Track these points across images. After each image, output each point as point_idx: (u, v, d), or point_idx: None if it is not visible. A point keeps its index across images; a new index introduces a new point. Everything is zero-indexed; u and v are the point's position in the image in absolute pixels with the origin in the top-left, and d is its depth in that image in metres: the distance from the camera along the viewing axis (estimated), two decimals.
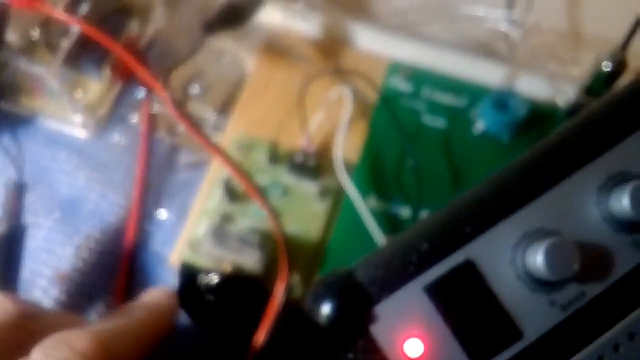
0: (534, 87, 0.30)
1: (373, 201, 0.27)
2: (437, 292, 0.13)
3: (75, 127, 0.29)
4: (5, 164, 0.29)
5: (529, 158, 0.15)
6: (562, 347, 0.14)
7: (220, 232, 0.24)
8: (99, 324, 0.20)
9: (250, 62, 0.31)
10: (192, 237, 0.26)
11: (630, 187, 0.13)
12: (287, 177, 0.28)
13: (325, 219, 0.27)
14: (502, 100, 0.27)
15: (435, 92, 0.30)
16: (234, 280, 0.24)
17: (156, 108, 0.29)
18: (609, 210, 0.14)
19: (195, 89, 0.30)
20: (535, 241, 0.13)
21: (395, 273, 0.13)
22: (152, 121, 0.29)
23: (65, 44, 0.27)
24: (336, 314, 0.13)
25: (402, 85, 0.30)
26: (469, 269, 0.14)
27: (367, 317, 0.13)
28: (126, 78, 0.30)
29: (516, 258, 0.14)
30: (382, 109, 0.29)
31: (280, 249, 0.24)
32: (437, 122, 0.29)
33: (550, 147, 0.15)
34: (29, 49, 0.28)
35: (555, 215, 0.14)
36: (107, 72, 0.29)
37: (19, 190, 0.24)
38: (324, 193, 0.27)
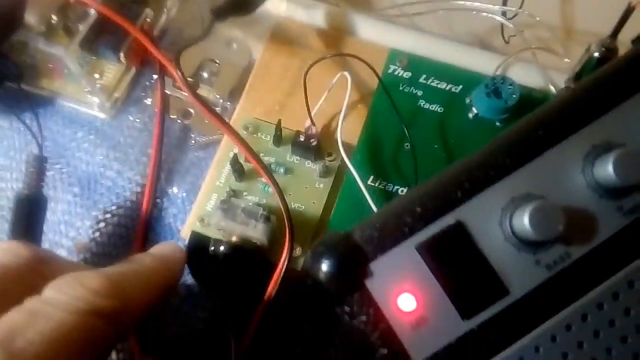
0: (526, 75, 0.31)
1: (372, 180, 0.29)
2: (429, 251, 0.15)
3: (93, 108, 0.31)
4: (27, 140, 0.30)
5: (518, 128, 0.16)
6: (547, 304, 0.15)
7: (228, 206, 0.26)
8: (110, 267, 0.20)
9: (257, 49, 0.33)
10: (202, 211, 0.28)
11: (614, 155, 0.14)
12: (291, 158, 0.30)
13: (326, 197, 0.29)
14: (495, 86, 0.29)
15: (432, 78, 0.31)
16: (241, 251, 0.26)
17: (169, 90, 0.31)
18: (594, 177, 0.15)
19: (204, 75, 0.32)
20: (522, 204, 0.14)
21: (389, 233, 0.15)
22: (165, 103, 0.31)
23: (83, 28, 0.28)
24: (334, 270, 0.15)
25: (400, 72, 0.32)
26: (459, 229, 0.15)
27: (363, 273, 0.15)
28: (141, 61, 0.31)
29: (504, 220, 0.15)
30: (381, 94, 0.30)
31: (284, 221, 0.25)
32: (433, 106, 0.31)
33: (537, 118, 0.15)
34: (48, 31, 0.29)
35: (541, 181, 0.15)
36: (123, 56, 0.30)
37: (39, 163, 0.26)
38: (325, 172, 0.29)
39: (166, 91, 0.31)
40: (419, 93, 0.31)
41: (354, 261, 0.15)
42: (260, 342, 0.25)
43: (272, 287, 0.24)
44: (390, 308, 0.15)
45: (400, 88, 0.31)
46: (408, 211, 0.15)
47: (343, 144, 0.29)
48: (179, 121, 0.31)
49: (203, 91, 0.32)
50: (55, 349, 0.14)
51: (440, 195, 0.15)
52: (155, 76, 0.31)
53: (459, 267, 0.15)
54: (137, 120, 0.31)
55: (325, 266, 0.15)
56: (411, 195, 0.16)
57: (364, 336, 0.15)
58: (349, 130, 0.30)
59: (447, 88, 0.31)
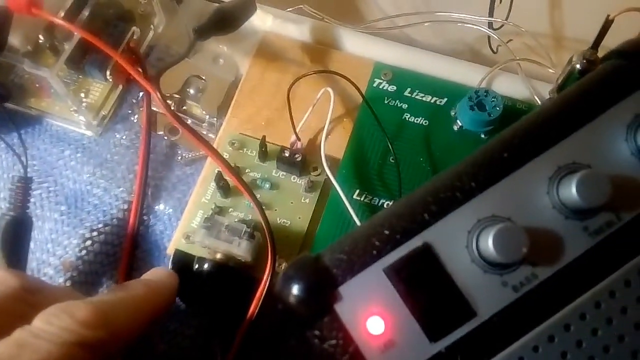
0: (511, 87, 0.31)
1: (357, 194, 0.29)
2: (397, 274, 0.15)
3: (80, 126, 0.31)
4: (14, 160, 0.31)
5: (484, 150, 0.16)
6: (514, 325, 0.15)
7: (212, 223, 0.26)
8: (99, 296, 0.21)
9: (243, 65, 0.33)
10: (187, 228, 0.28)
11: (577, 177, 0.14)
12: (276, 173, 0.30)
13: (312, 212, 0.29)
14: (478, 99, 0.29)
15: (417, 91, 0.32)
16: (225, 269, 0.26)
17: (155, 107, 0.31)
18: (559, 198, 0.15)
19: (191, 92, 0.32)
20: (487, 227, 0.15)
21: (358, 256, 0.15)
22: (152, 120, 0.31)
23: (69, 47, 0.28)
24: (303, 294, 0.15)
25: (385, 85, 0.32)
26: (426, 252, 0.15)
27: (332, 297, 0.15)
28: (127, 79, 0.32)
29: (470, 242, 0.15)
30: (366, 108, 0.30)
31: (266, 238, 0.25)
32: (418, 119, 0.31)
33: (504, 139, 0.16)
34: (34, 51, 0.30)
35: (507, 203, 0.15)
36: (109, 74, 0.30)
37: (24, 184, 0.26)
38: (311, 187, 0.29)
39: (153, 108, 0.31)
40: (404, 106, 0.31)
41: (323, 285, 0.15)
42: (245, 358, 0.25)
43: (255, 304, 0.24)
44: (359, 332, 0.15)
45: (385, 101, 0.31)
46: (376, 234, 0.15)
47: (329, 158, 0.29)
48: (165, 138, 0.32)
49: (189, 107, 0.32)
50: None
51: (408, 217, 0.15)
52: (141, 93, 0.32)
53: (426, 289, 0.15)
54: (124, 137, 0.31)
55: (294, 290, 0.15)
56: (380, 217, 0.16)
57: (334, 359, 0.15)
58: (334, 144, 0.30)
59: (432, 101, 0.31)
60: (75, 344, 0.16)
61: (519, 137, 0.15)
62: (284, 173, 0.30)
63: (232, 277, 0.26)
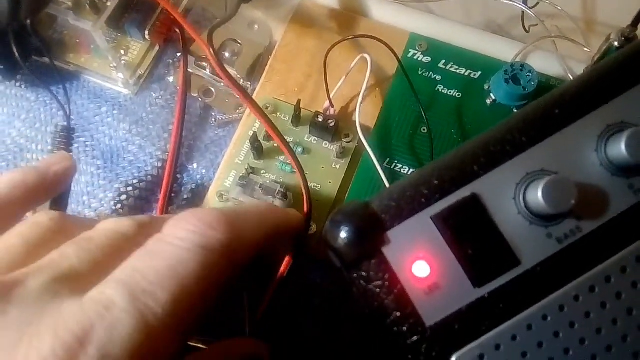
0: (545, 64, 0.32)
1: (387, 163, 0.29)
2: (444, 221, 0.15)
3: (117, 84, 0.32)
4: (52, 113, 0.31)
5: (535, 106, 0.16)
6: (557, 274, 0.15)
7: (246, 182, 0.27)
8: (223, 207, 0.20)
9: (278, 31, 0.33)
10: (221, 187, 0.29)
11: (627, 134, 0.15)
12: (308, 138, 0.30)
13: (342, 177, 0.29)
14: (514, 73, 0.29)
15: (452, 64, 0.32)
16: None
17: (191, 69, 0.32)
18: (607, 155, 0.15)
19: (226, 55, 0.32)
20: (536, 179, 0.15)
21: (406, 203, 0.15)
22: (188, 81, 0.32)
23: (111, 5, 0.29)
24: (352, 237, 0.15)
25: (420, 56, 0.32)
26: (474, 202, 0.15)
27: (380, 240, 0.15)
28: (165, 40, 0.32)
29: (518, 194, 0.15)
30: (400, 78, 0.31)
31: (302, 198, 0.26)
32: (451, 92, 0.31)
33: (554, 97, 0.16)
34: (75, 7, 0.30)
35: (556, 158, 0.15)
36: (148, 34, 0.31)
37: (67, 133, 0.26)
38: (342, 153, 0.30)
39: (188, 70, 0.32)
40: (438, 78, 0.31)
41: (372, 229, 0.15)
42: (274, 312, 0.26)
43: (287, 260, 0.25)
44: (405, 274, 0.15)
45: (419, 72, 0.32)
46: (425, 183, 0.16)
47: (362, 126, 0.29)
48: (200, 100, 0.32)
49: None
50: (174, 285, 0.15)
51: (457, 168, 0.16)
52: (178, 54, 0.32)
53: (472, 237, 0.15)
54: (160, 97, 0.32)
55: (343, 233, 0.15)
56: (429, 168, 0.16)
57: (379, 300, 0.15)
58: (366, 112, 0.31)
59: (466, 74, 0.31)
60: (205, 248, 0.16)
61: (571, 95, 0.16)
62: (316, 138, 0.30)
63: None
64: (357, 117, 0.29)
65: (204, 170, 0.31)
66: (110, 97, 0.32)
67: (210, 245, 0.16)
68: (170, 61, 0.33)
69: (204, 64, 0.32)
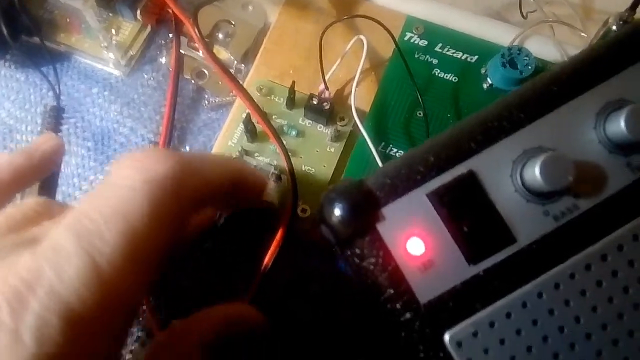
0: (542, 49, 0.31)
1: (382, 147, 0.29)
2: (439, 199, 0.15)
3: (109, 64, 0.31)
4: (42, 94, 0.31)
5: (533, 84, 0.16)
6: (552, 253, 0.15)
7: None
8: None
9: (273, 12, 0.33)
10: None
11: (626, 110, 0.14)
12: (303, 121, 0.30)
13: (337, 161, 0.29)
14: (511, 57, 0.29)
15: (448, 47, 0.31)
16: (251, 208, 0.26)
17: (184, 50, 0.31)
18: (605, 133, 0.15)
19: (220, 36, 0.32)
20: (533, 156, 0.15)
21: (402, 180, 0.15)
22: (180, 62, 0.31)
23: None
24: (346, 213, 0.15)
25: (417, 39, 0.32)
26: (471, 179, 0.15)
27: (374, 217, 0.15)
28: (157, 20, 0.32)
29: (515, 172, 0.15)
30: (396, 61, 0.30)
31: (288, 174, 0.25)
32: (448, 76, 0.31)
33: (553, 75, 0.16)
34: None
35: (554, 136, 0.15)
36: (139, 14, 0.30)
37: (57, 113, 0.26)
38: (337, 137, 0.29)
39: (181, 51, 0.31)
40: (434, 61, 0.31)
41: (366, 205, 0.15)
42: (270, 299, 0.26)
43: (275, 244, 0.25)
44: (399, 251, 0.15)
45: (416, 56, 0.31)
46: (421, 160, 0.15)
47: (357, 110, 0.29)
48: (192, 82, 0.32)
49: (217, 52, 0.32)
50: (120, 223, 0.14)
51: (454, 145, 0.15)
52: (170, 35, 0.31)
53: (468, 215, 0.15)
54: (151, 78, 0.32)
55: (337, 210, 0.15)
56: (425, 145, 0.16)
57: (372, 277, 0.15)
58: (361, 96, 0.30)
59: (463, 58, 0.31)
60: (149, 182, 0.15)
61: (569, 72, 0.15)
62: (311, 121, 0.30)
63: (258, 217, 0.27)
64: (352, 100, 0.28)
65: None
66: (101, 78, 0.31)
67: (155, 179, 0.15)
68: (163, 42, 0.32)
69: (196, 45, 0.31)
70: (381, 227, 0.15)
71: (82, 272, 0.13)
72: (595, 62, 0.16)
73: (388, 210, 0.15)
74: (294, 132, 0.29)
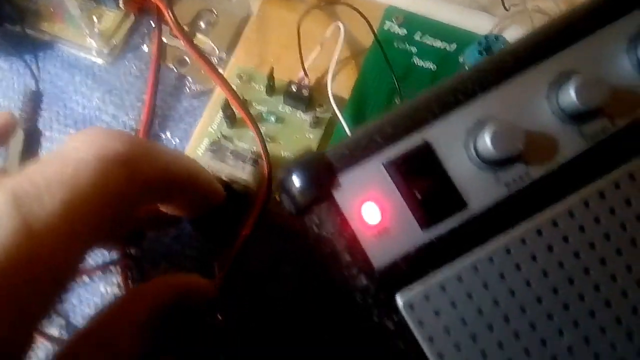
0: (520, 36, 0.32)
1: None
2: (395, 167, 0.15)
3: (92, 53, 0.32)
4: (25, 82, 0.31)
5: (489, 57, 0.16)
6: (504, 219, 0.15)
7: (217, 147, 0.27)
8: None
9: (255, 2, 0.33)
10: (193, 155, 0.29)
11: (577, 79, 0.15)
12: (283, 108, 0.30)
13: (316, 147, 0.29)
14: (488, 45, 0.29)
15: (427, 36, 0.32)
16: (229, 190, 0.27)
17: (166, 39, 0.32)
18: (558, 103, 0.15)
19: (201, 25, 0.32)
20: (485, 126, 0.15)
21: (359, 150, 0.15)
22: (162, 51, 0.32)
23: None
24: (303, 182, 0.15)
25: (396, 28, 0.32)
26: (425, 148, 0.15)
27: (331, 184, 0.15)
28: (140, 9, 0.32)
29: (468, 141, 0.15)
30: (376, 49, 0.31)
31: (270, 165, 0.26)
32: (426, 64, 0.31)
33: (508, 48, 0.16)
34: None
35: (507, 106, 0.15)
36: (122, 2, 0.31)
37: (35, 98, 0.26)
38: (316, 123, 0.29)
39: (163, 39, 0.32)
40: (413, 50, 0.31)
41: (324, 174, 0.15)
42: (244, 282, 0.26)
43: (249, 224, 0.25)
44: (355, 218, 0.15)
45: (395, 45, 0.32)
46: (379, 131, 0.16)
47: (335, 97, 0.29)
48: (175, 70, 0.32)
49: (199, 41, 0.32)
50: (63, 190, 0.14)
51: (410, 116, 0.16)
52: (153, 24, 0.32)
53: (422, 183, 0.15)
54: (134, 67, 0.32)
55: (296, 178, 0.15)
56: (384, 117, 0.16)
57: (330, 245, 0.15)
58: (341, 83, 0.31)
59: (442, 46, 0.31)
60: (101, 157, 0.15)
61: (524, 44, 0.16)
62: (290, 108, 0.30)
63: (235, 199, 0.27)
64: (329, 87, 0.29)
65: (177, 140, 0.31)
66: (84, 66, 0.32)
67: (109, 157, 0.16)
68: (146, 31, 0.33)
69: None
70: (338, 195, 0.15)
71: (15, 236, 0.13)
72: (550, 34, 0.16)
73: (345, 179, 0.15)
74: (273, 119, 0.30)
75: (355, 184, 0.15)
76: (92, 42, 0.31)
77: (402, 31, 0.32)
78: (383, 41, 0.31)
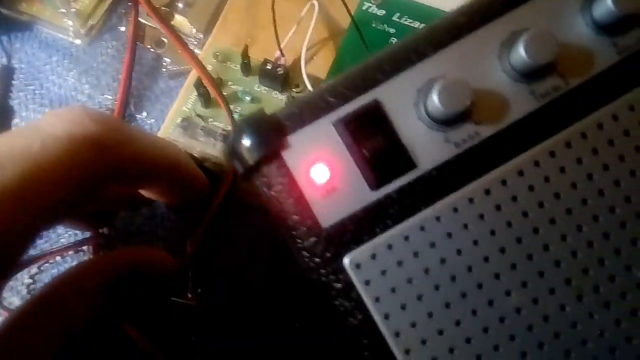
0: None
1: None
2: (344, 126, 0.15)
3: (69, 33, 0.32)
4: (2, 58, 0.31)
5: (443, 17, 0.16)
6: (453, 178, 0.15)
7: (188, 123, 0.27)
8: None
9: None
10: (168, 134, 0.29)
11: (526, 35, 0.14)
12: (259, 88, 0.30)
13: None
14: None
15: (406, 17, 0.32)
16: (201, 169, 0.27)
17: (144, 19, 0.32)
18: (509, 61, 0.15)
19: (179, 5, 0.32)
20: (435, 84, 0.15)
21: (309, 110, 0.15)
22: (139, 31, 0.32)
23: None
24: (251, 141, 0.15)
25: (374, 9, 0.32)
26: (375, 107, 0.15)
27: (280, 144, 0.15)
28: None
29: (419, 100, 0.15)
30: (353, 30, 0.31)
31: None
32: None
33: (462, 7, 0.16)
34: None
35: (458, 64, 0.15)
36: None
37: (6, 73, 0.26)
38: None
39: (141, 20, 0.32)
40: (392, 31, 0.31)
41: (272, 133, 0.15)
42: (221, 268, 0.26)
43: (218, 199, 0.25)
44: (303, 177, 0.15)
45: (373, 25, 0.31)
46: (330, 91, 0.16)
47: (312, 77, 0.29)
48: (152, 50, 0.32)
49: (177, 21, 0.32)
50: (26, 161, 0.14)
51: (362, 76, 0.16)
52: (130, 3, 0.32)
53: (371, 142, 0.15)
54: (111, 47, 0.32)
55: (244, 137, 0.15)
56: (335, 78, 0.16)
57: (279, 205, 0.15)
58: (318, 64, 0.30)
59: (420, 27, 0.31)
60: (72, 135, 0.15)
61: (477, 3, 0.16)
62: (266, 88, 0.30)
63: (207, 174, 0.27)
64: (302, 66, 0.29)
65: (153, 120, 0.31)
66: (61, 47, 0.32)
67: (82, 135, 0.15)
68: (123, 11, 0.33)
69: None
70: (286, 154, 0.15)
71: None
72: None
73: (294, 138, 0.15)
74: (248, 98, 0.30)
75: (305, 143, 0.15)
76: (69, 23, 0.31)
77: (381, 12, 0.32)
78: (361, 22, 0.31)
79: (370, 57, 0.16)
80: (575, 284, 0.14)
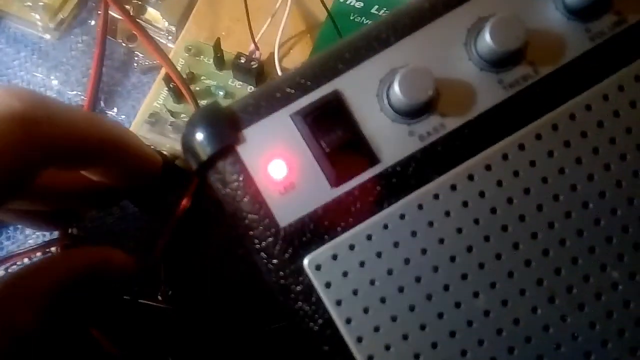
0: None
1: None
2: (303, 119, 0.14)
3: (37, 28, 0.31)
4: None
5: (406, 5, 0.15)
6: (417, 173, 0.14)
7: (156, 119, 0.26)
8: None
9: None
10: (139, 130, 0.28)
11: (492, 20, 0.14)
12: (233, 82, 0.29)
13: None
14: None
15: (384, 10, 0.31)
16: (172, 167, 0.26)
17: (115, 13, 0.31)
18: (476, 49, 0.14)
19: None
20: (397, 73, 0.14)
21: (266, 101, 0.14)
22: (111, 28, 0.31)
23: None
24: (204, 135, 0.14)
25: (352, 1, 0.31)
26: (335, 99, 0.14)
27: (235, 139, 0.14)
28: None
29: (381, 91, 0.14)
30: (329, 23, 0.30)
31: None
32: None
33: None
34: None
35: (422, 53, 0.14)
36: None
37: None
38: None
39: (112, 13, 0.31)
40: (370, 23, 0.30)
41: (226, 126, 0.14)
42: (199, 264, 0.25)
43: (187, 198, 0.24)
44: (260, 174, 0.14)
45: (351, 17, 0.30)
46: (288, 81, 0.15)
47: (283, 69, 0.28)
48: (124, 44, 0.31)
49: (150, 15, 0.31)
50: None
51: (322, 65, 0.15)
52: None
53: (331, 136, 0.14)
54: (81, 42, 0.31)
55: (197, 131, 0.14)
56: (296, 68, 0.15)
57: (235, 203, 0.14)
58: (294, 57, 0.30)
59: None
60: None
61: None
62: (241, 83, 0.29)
63: (179, 176, 0.26)
64: (276, 59, 0.28)
65: (124, 116, 0.30)
66: (30, 42, 0.31)
67: (2, 112, 0.15)
68: (94, 4, 0.32)
69: (127, 6, 0.31)
70: (242, 149, 0.14)
71: None
72: None
73: (250, 132, 0.14)
74: (221, 93, 0.29)
75: (262, 137, 0.14)
76: (37, 17, 0.30)
77: (359, 4, 0.31)
78: (339, 14, 0.30)
79: (331, 46, 0.15)
80: (547, 285, 0.14)
